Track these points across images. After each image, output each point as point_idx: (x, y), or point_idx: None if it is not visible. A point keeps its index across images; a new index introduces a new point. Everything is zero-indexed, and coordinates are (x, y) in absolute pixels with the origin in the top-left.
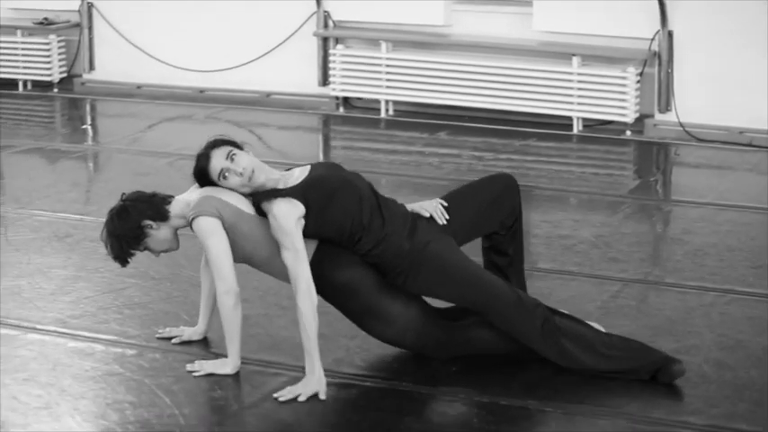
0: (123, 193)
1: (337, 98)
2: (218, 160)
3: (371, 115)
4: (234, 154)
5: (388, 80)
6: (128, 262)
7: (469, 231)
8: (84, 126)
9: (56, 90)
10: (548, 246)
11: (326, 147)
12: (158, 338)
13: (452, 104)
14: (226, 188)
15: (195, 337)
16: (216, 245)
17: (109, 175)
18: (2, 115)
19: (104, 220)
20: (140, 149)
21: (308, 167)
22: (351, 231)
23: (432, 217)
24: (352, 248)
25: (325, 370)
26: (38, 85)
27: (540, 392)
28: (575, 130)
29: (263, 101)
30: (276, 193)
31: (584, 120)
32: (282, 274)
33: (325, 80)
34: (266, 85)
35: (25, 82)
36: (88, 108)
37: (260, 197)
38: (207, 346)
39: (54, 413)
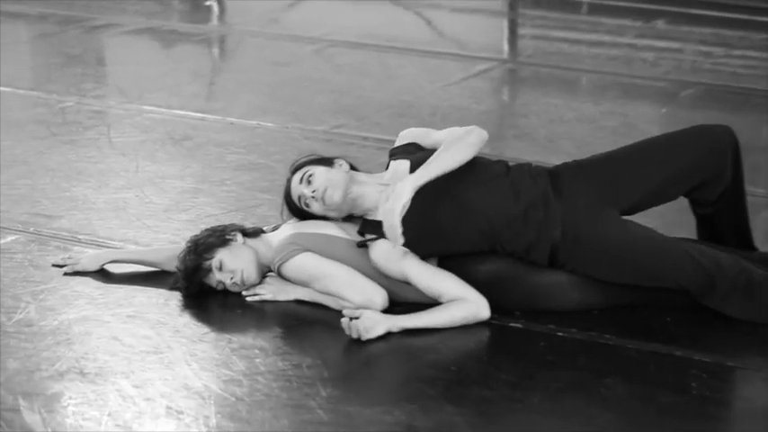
0: None
1: None
2: (295, 187)
3: None
4: (310, 175)
5: None
6: (195, 279)
7: (648, 198)
8: (208, 2)
9: None
10: None
11: (513, 36)
12: None
13: None
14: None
15: None
16: (323, 269)
17: (239, 63)
18: None
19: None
20: (279, 33)
21: (407, 165)
22: (487, 245)
23: (575, 173)
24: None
25: (503, 315)
26: None
27: None
28: None
29: None
30: (374, 228)
31: None
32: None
33: None
34: None
35: None
36: None
37: (362, 230)
38: None
39: (165, 359)
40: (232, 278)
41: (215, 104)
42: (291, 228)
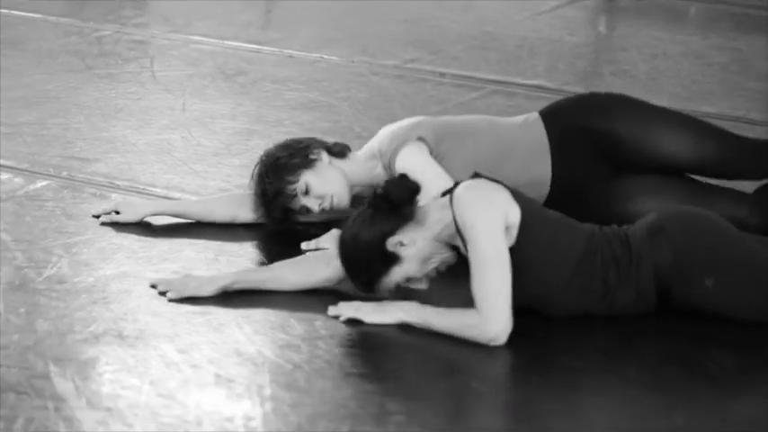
0: None
1: None
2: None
3: None
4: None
5: None
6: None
7: None
8: None
9: None
10: None
11: None
12: None
13: None
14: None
15: None
16: (430, 181)
17: None
18: None
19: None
20: None
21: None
22: None
23: None
24: None
25: None
26: None
27: None
28: None
29: None
30: None
31: None
32: None
33: None
34: None
35: None
36: None
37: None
38: None
39: (214, 321)
40: (321, 204)
41: (272, 35)
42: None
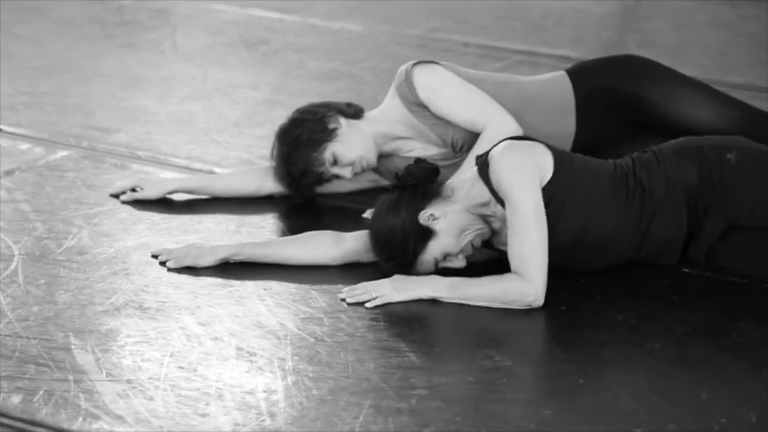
0: None
1: None
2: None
3: None
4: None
5: None
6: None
7: None
8: None
9: None
10: None
11: None
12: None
13: None
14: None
15: None
16: (454, 88)
17: None
18: None
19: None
20: None
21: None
22: None
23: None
24: None
25: None
26: None
27: None
28: None
29: None
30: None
31: None
32: None
33: None
34: None
35: None
36: None
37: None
38: None
39: (235, 293)
40: (352, 169)
41: (294, 3)
42: None
